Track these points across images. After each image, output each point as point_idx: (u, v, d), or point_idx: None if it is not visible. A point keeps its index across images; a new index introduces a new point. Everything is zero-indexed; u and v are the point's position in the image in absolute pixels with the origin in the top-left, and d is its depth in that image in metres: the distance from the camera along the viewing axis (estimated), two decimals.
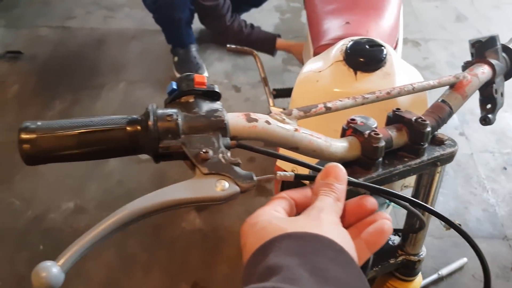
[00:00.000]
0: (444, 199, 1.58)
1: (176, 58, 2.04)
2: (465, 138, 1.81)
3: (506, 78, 0.67)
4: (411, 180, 0.70)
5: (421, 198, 0.61)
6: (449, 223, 0.46)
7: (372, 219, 0.38)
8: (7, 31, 2.31)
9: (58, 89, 2.00)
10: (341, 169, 0.40)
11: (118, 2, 2.49)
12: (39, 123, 0.42)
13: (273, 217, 0.37)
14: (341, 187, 0.39)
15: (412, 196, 0.62)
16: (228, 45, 1.41)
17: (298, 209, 0.41)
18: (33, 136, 0.41)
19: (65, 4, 2.47)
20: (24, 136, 0.41)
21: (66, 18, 2.38)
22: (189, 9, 1.82)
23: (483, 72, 0.61)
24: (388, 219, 0.38)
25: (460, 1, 2.65)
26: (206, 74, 2.08)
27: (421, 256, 0.66)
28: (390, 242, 0.68)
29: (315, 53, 0.91)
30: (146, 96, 1.96)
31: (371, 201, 0.39)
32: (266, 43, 1.84)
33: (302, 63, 1.64)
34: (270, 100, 1.21)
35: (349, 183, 0.42)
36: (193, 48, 2.06)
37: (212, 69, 2.13)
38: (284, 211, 0.39)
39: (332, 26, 0.95)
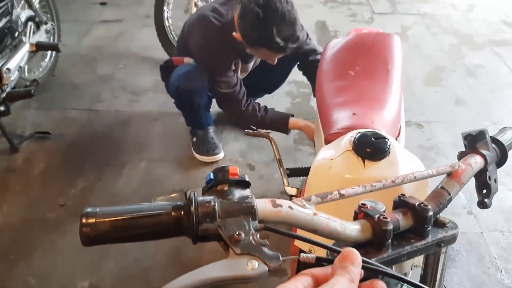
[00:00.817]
0: (458, 279, 1.58)
1: (194, 139, 2.18)
2: (473, 217, 1.85)
3: (498, 166, 0.75)
4: (420, 260, 0.75)
5: (429, 277, 0.66)
6: None
7: None
8: (38, 112, 2.51)
9: (83, 167, 2.13)
10: (356, 254, 0.45)
11: (143, 87, 2.71)
12: (97, 210, 0.50)
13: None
14: (356, 270, 0.44)
15: (421, 275, 0.68)
16: (246, 130, 1.54)
17: (318, 286, 0.45)
18: (92, 220, 0.48)
19: (94, 88, 2.69)
20: (85, 220, 0.48)
21: (94, 101, 2.58)
22: (208, 95, 1.98)
23: (475, 161, 0.70)
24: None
25: (458, 86, 2.83)
26: (222, 153, 2.20)
27: None
28: None
29: (326, 141, 1.01)
30: (165, 174, 2.07)
31: (381, 285, 0.44)
32: (280, 123, 1.94)
33: (312, 141, 1.74)
34: (285, 180, 1.29)
35: (364, 267, 0.47)
36: (211, 130, 2.20)
37: (228, 148, 2.26)
38: (302, 287, 0.43)
39: (341, 116, 1.06)
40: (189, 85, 1.89)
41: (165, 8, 2.69)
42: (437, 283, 0.66)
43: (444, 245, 0.63)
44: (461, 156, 0.73)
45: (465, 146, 0.74)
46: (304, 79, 2.29)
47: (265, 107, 2.02)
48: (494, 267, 1.64)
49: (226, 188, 0.54)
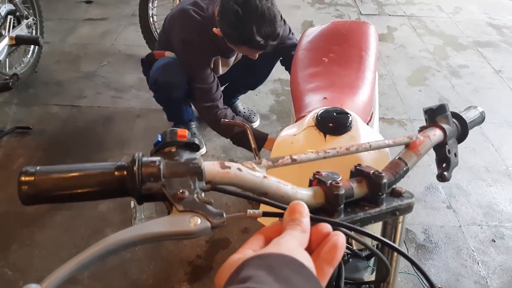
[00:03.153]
0: (435, 271, 1.58)
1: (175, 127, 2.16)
2: (452, 211, 1.85)
3: (459, 141, 0.75)
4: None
5: (387, 248, 0.66)
6: (405, 256, 0.51)
7: (328, 239, 0.43)
8: (19, 108, 2.48)
9: (63, 162, 2.10)
10: (303, 205, 0.46)
11: (126, 84, 2.70)
12: (38, 168, 0.49)
13: (242, 253, 0.42)
14: (305, 220, 0.44)
15: (379, 246, 0.67)
16: (222, 120, 1.53)
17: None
18: (31, 178, 0.47)
19: (77, 85, 2.67)
20: (23, 178, 0.47)
21: (77, 97, 2.56)
22: (186, 88, 1.93)
23: (434, 134, 0.69)
24: (341, 235, 0.43)
25: (441, 86, 2.85)
26: (204, 149, 2.19)
27: None
28: None
29: None
30: None
31: (325, 226, 0.44)
32: (258, 138, 1.75)
33: None
34: None
35: (320, 220, 0.47)
36: (193, 125, 2.19)
37: (211, 144, 2.25)
38: (252, 252, 0.43)
39: (312, 100, 1.06)
40: (167, 78, 1.87)
41: (149, 5, 2.69)
42: (395, 253, 0.65)
43: (400, 213, 0.62)
44: (421, 130, 0.73)
45: (426, 120, 0.74)
46: (288, 76, 2.29)
47: (243, 120, 1.97)
48: (471, 260, 1.64)
49: (173, 149, 0.53)
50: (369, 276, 0.99)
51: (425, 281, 0.53)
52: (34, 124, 2.32)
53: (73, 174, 0.49)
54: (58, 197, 0.49)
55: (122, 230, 0.45)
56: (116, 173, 0.49)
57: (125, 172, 0.49)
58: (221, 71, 2.10)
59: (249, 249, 0.43)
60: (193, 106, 2.14)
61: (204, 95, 1.90)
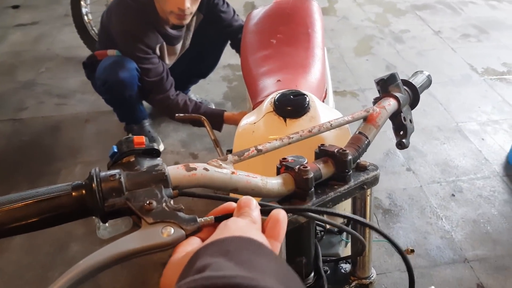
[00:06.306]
0: (404, 233, 1.65)
1: (130, 135, 2.08)
2: (412, 173, 1.93)
3: (412, 107, 0.77)
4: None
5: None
6: (379, 232, 0.52)
7: (269, 217, 0.42)
8: None
9: (14, 180, 1.98)
10: (250, 199, 0.44)
11: (70, 89, 2.56)
12: None
13: (190, 245, 0.40)
14: (255, 213, 0.42)
15: (351, 224, 0.68)
16: (177, 114, 1.48)
17: None
18: None
19: (16, 96, 2.51)
20: None
21: (17, 110, 2.40)
22: (138, 86, 1.88)
23: (389, 104, 0.71)
24: (281, 210, 0.42)
25: (386, 53, 2.93)
26: (162, 146, 2.13)
27: (372, 278, 0.71)
28: (342, 270, 0.73)
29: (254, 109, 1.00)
30: None
31: (277, 212, 0.43)
32: (214, 119, 1.77)
33: None
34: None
35: (292, 210, 0.48)
36: (147, 123, 2.12)
37: (169, 140, 2.20)
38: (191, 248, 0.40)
39: (266, 84, 1.05)
40: (117, 77, 1.78)
41: (82, 3, 2.54)
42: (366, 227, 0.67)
43: (367, 187, 0.63)
44: (375, 101, 0.74)
45: (379, 91, 0.75)
46: (239, 61, 2.27)
47: (196, 101, 1.95)
48: (435, 216, 1.72)
49: (132, 159, 0.50)
50: (343, 249, 1.01)
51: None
52: None
53: (27, 202, 0.45)
54: (14, 230, 0.45)
55: (93, 254, 0.42)
56: (73, 193, 0.46)
57: (83, 191, 0.46)
58: (168, 60, 2.03)
59: (187, 247, 0.41)
60: (145, 102, 2.08)
61: (156, 88, 1.86)
